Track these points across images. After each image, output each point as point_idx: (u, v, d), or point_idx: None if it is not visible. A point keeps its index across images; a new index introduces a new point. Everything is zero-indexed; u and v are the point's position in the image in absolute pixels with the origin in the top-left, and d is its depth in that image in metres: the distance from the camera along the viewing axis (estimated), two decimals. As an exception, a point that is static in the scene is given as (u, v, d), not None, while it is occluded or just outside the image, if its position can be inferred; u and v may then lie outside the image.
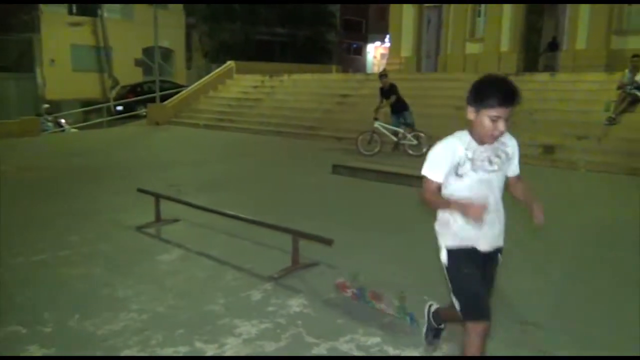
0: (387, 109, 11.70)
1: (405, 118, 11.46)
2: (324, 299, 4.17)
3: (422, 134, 11.20)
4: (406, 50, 20.27)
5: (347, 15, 40.54)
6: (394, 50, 21.12)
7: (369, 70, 36.31)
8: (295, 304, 4.03)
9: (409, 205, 7.37)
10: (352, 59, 41.37)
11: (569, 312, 4.02)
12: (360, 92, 15.73)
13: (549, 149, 10.56)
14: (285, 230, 4.82)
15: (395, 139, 11.43)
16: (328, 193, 8.11)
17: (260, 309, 3.96)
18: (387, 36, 25.08)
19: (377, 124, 11.46)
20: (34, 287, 4.36)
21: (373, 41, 42.37)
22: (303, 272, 4.65)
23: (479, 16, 18.63)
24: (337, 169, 9.25)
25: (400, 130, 11.36)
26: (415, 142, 11.22)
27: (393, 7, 20.88)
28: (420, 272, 4.78)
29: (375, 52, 42.64)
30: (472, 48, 18.54)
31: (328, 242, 4.54)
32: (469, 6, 18.45)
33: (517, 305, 4.08)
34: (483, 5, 18.32)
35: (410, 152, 11.22)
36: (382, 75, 11.72)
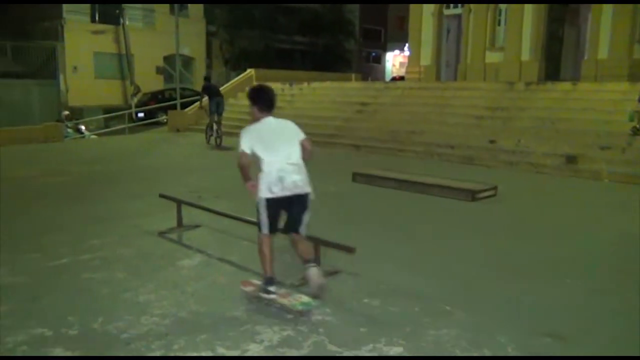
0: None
1: (217, 106, 14.07)
2: (347, 307, 4.15)
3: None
4: (425, 59, 20.18)
5: (366, 24, 40.57)
6: (413, 59, 21.05)
7: (388, 79, 36.25)
8: (317, 311, 4.01)
9: (428, 213, 7.34)
10: (371, 67, 41.37)
11: (593, 325, 3.95)
12: (380, 100, 15.71)
13: (571, 159, 10.43)
14: (307, 237, 4.80)
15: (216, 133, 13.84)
16: (348, 201, 8.09)
17: (281, 315, 3.96)
18: (406, 45, 25.03)
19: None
20: (57, 291, 4.41)
21: (392, 50, 42.36)
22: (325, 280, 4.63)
23: (499, 25, 18.51)
24: (356, 177, 9.24)
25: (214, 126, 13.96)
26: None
27: (412, 16, 20.83)
28: (439, 280, 4.76)
29: (394, 61, 42.64)
30: (492, 57, 18.40)
31: (350, 250, 4.53)
32: (489, 15, 18.34)
33: (540, 317, 4.02)
34: (503, 14, 18.20)
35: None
36: (205, 78, 15.36)
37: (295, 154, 4.12)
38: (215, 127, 14.08)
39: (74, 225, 6.46)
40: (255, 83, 20.04)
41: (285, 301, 3.99)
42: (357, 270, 4.87)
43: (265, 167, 4.03)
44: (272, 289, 4.14)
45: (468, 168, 10.91)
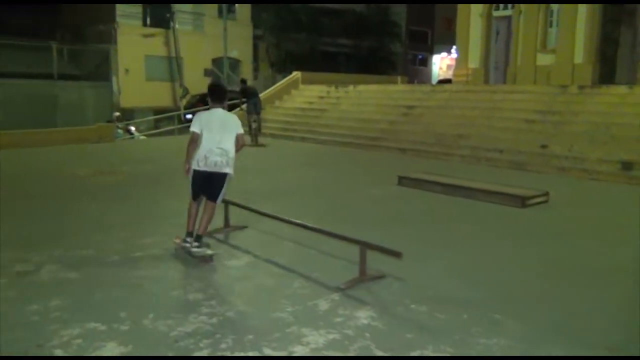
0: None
1: (255, 106, 15.07)
2: (393, 312, 4.10)
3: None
4: (474, 61, 19.84)
5: (412, 26, 40.23)
6: (461, 61, 20.73)
7: (434, 82, 35.83)
8: (363, 315, 3.99)
9: (475, 219, 7.19)
10: (417, 70, 40.97)
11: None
12: (427, 103, 15.53)
13: (627, 166, 10.03)
14: (354, 240, 4.79)
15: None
16: (393, 205, 8.02)
17: (327, 319, 3.95)
18: (454, 47, 24.68)
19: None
20: (109, 287, 4.52)
21: (439, 52, 41.84)
22: (370, 284, 4.60)
23: (551, 26, 18.01)
24: (402, 180, 9.14)
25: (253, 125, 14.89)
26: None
27: (460, 17, 20.51)
28: (488, 288, 4.65)
29: (441, 63, 42.10)
30: (543, 59, 17.93)
31: (397, 254, 4.48)
32: (541, 16, 17.88)
33: (595, 328, 3.87)
34: (555, 15, 17.72)
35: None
36: (242, 81, 16.65)
37: (226, 141, 5.19)
38: (254, 125, 14.84)
39: (125, 223, 6.64)
40: (301, 85, 20.19)
41: (194, 250, 5.13)
42: (403, 275, 4.82)
43: (201, 146, 5.16)
44: (188, 239, 5.22)
45: (517, 173, 10.64)
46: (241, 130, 5.36)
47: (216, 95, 5.41)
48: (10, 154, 12.66)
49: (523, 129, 12.45)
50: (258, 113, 15.16)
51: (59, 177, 9.95)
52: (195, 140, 5.21)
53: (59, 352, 3.41)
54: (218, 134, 5.17)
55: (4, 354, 3.41)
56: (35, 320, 3.85)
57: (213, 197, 5.27)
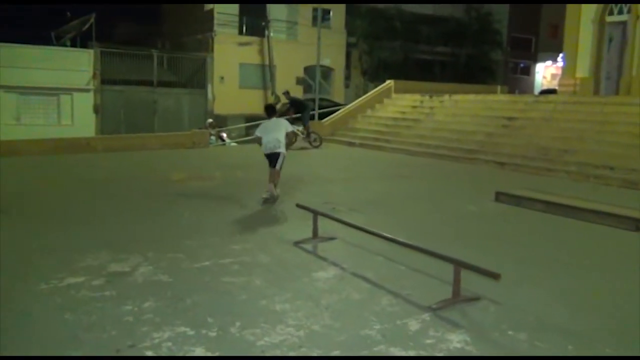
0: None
1: (303, 119, 16.41)
2: (489, 337, 3.82)
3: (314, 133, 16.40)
4: (582, 70, 18.60)
5: (514, 33, 38.48)
6: (567, 70, 19.52)
7: (537, 92, 34.10)
8: (456, 339, 3.74)
9: (582, 241, 6.65)
10: (518, 79, 39.06)
11: None
12: (529, 114, 14.73)
13: None
14: (448, 259, 4.53)
15: (303, 136, 16.22)
16: (490, 222, 7.60)
17: (417, 339, 3.74)
18: (560, 55, 23.31)
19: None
20: (199, 292, 4.57)
21: (543, 60, 39.70)
22: (464, 306, 4.32)
23: (672, 34, 16.53)
24: (500, 196, 8.66)
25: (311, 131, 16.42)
26: (312, 137, 16.24)
27: (569, 23, 19.35)
28: (595, 317, 4.24)
29: (545, 72, 39.97)
30: (662, 69, 16.48)
31: (495, 275, 4.18)
32: (661, 23, 16.47)
33: None
34: (678, 22, 16.24)
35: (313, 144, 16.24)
36: (286, 92, 17.29)
37: (278, 135, 8.38)
38: (311, 131, 16.42)
39: (216, 228, 6.76)
40: (394, 94, 19.91)
41: (267, 195, 8.26)
42: (500, 298, 4.50)
43: (264, 141, 8.40)
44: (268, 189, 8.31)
45: (630, 193, 9.76)
46: (290, 129, 8.80)
47: (269, 111, 8.83)
48: (110, 157, 13.47)
49: (638, 144, 11.45)
50: (304, 123, 16.41)
51: (155, 181, 10.41)
52: (257, 140, 8.59)
53: (149, 354, 3.47)
54: (273, 132, 8.40)
55: (98, 351, 3.51)
56: (129, 321, 3.95)
57: (274, 166, 8.35)
